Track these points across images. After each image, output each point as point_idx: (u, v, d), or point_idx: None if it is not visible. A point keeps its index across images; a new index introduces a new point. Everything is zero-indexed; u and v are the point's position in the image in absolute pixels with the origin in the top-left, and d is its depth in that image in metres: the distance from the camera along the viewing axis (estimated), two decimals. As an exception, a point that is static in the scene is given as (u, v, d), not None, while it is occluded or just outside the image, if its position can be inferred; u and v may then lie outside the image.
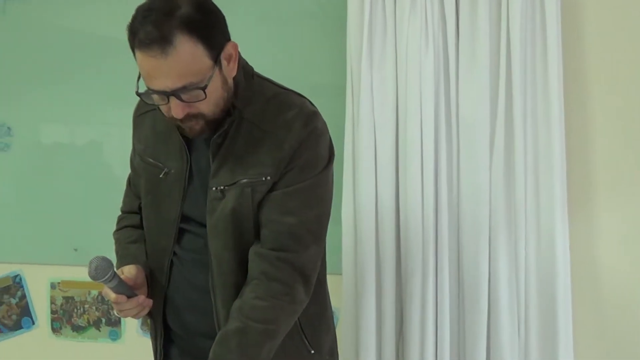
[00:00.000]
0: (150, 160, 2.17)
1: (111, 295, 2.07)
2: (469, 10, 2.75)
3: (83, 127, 3.59)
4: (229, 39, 1.97)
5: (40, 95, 3.55)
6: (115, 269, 2.04)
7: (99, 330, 3.55)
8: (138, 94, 1.96)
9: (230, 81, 2.00)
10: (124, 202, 2.43)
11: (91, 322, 3.56)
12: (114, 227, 3.28)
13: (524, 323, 2.78)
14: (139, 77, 1.93)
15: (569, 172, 2.75)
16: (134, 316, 2.15)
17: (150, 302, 2.16)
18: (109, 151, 3.56)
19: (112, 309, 3.39)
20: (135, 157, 2.26)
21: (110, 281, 2.02)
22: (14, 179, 3.62)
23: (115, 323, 3.52)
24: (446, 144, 2.80)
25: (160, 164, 2.14)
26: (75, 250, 3.55)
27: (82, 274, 3.43)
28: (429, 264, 2.78)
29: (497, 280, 2.75)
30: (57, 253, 3.58)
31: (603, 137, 2.79)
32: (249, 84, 2.07)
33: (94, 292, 3.53)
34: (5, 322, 3.66)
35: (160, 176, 2.13)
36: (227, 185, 2.04)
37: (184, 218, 2.13)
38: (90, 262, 1.98)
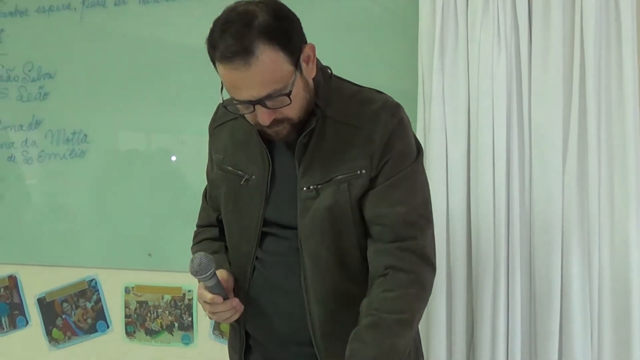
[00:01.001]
0: (230, 168, 2.19)
1: (207, 296, 2.08)
2: (541, 14, 2.72)
3: (158, 135, 3.65)
4: (305, 41, 1.99)
5: (116, 102, 3.62)
6: (215, 268, 2.05)
7: (172, 335, 3.59)
8: (224, 105, 2.01)
9: (311, 82, 2.02)
10: (201, 216, 2.45)
11: (164, 327, 3.60)
12: (188, 233, 3.34)
13: (597, 331, 2.73)
14: (222, 89, 1.96)
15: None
16: (225, 320, 2.14)
17: (242, 306, 2.16)
18: (184, 159, 3.60)
19: (185, 313, 3.47)
20: (213, 168, 2.28)
21: (209, 279, 2.03)
22: (90, 185, 3.70)
23: (187, 327, 3.55)
24: (518, 149, 2.77)
25: (240, 172, 2.15)
26: (150, 255, 3.60)
27: (155, 278, 3.53)
28: (500, 270, 2.76)
29: (569, 287, 2.71)
30: (132, 258, 3.64)
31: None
32: (328, 84, 2.09)
33: (167, 297, 3.57)
34: (81, 325, 3.73)
35: (241, 183, 2.15)
36: (320, 184, 2.05)
37: (266, 222, 2.14)
38: (193, 259, 2.00)
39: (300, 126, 2.02)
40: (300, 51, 1.94)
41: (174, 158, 3.62)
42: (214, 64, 1.91)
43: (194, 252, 2.32)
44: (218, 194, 2.27)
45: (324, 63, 2.13)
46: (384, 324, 1.99)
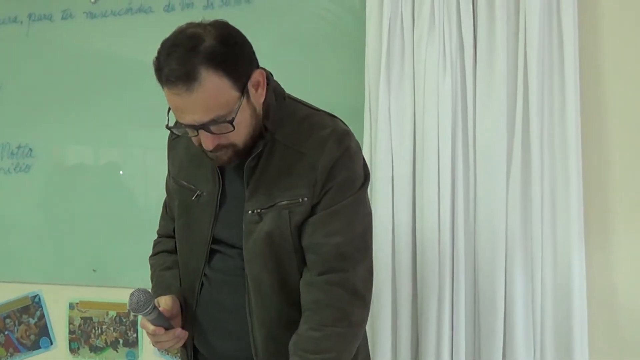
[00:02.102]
0: (184, 182, 2.19)
1: (149, 328, 2.08)
2: (486, 36, 2.76)
3: (103, 149, 3.63)
4: (256, 66, 1.98)
5: (62, 116, 3.60)
6: (154, 302, 2.05)
7: (117, 351, 3.56)
8: (168, 128, 1.99)
9: (259, 108, 2.02)
10: (160, 225, 2.45)
11: (109, 343, 3.57)
12: (134, 248, 3.34)
13: (540, 348, 2.76)
14: (169, 110, 1.95)
15: (586, 199, 2.74)
16: (169, 348, 2.17)
17: (185, 334, 2.17)
18: (130, 173, 3.59)
19: (130, 329, 3.45)
20: (170, 180, 2.29)
21: (150, 314, 2.03)
22: (34, 199, 3.67)
23: (132, 344, 3.54)
24: (463, 169, 2.80)
25: (193, 187, 2.16)
26: (94, 271, 3.57)
27: (100, 294, 3.51)
28: (445, 290, 2.78)
29: (513, 305, 2.74)
30: (76, 274, 3.61)
31: (620, 165, 2.78)
32: (280, 106, 2.08)
33: (112, 313, 3.55)
34: (24, 341, 3.70)
35: (193, 199, 2.15)
36: (264, 208, 2.04)
37: (215, 240, 2.14)
38: (131, 295, 1.99)
39: (244, 153, 2.02)
40: (247, 77, 1.94)
41: (121, 172, 3.60)
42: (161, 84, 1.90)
43: (150, 264, 2.38)
44: (173, 206, 2.28)
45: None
46: None
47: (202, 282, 2.17)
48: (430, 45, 2.80)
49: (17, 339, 3.70)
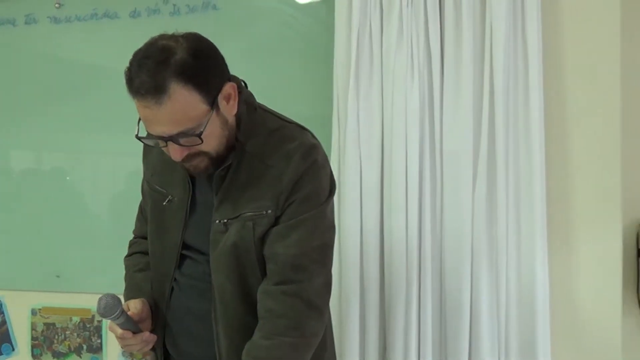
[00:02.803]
0: (157, 187, 2.21)
1: (117, 331, 2.10)
2: (453, 45, 2.82)
3: (56, 154, 3.65)
4: (228, 79, 2.00)
5: (10, 122, 3.62)
6: (122, 306, 2.07)
7: (80, 357, 3.55)
8: (138, 138, 2.00)
9: (231, 119, 2.03)
10: (136, 226, 2.46)
11: (72, 349, 3.56)
12: (97, 254, 3.34)
13: (505, 351, 2.81)
14: (139, 120, 1.96)
15: (549, 204, 2.80)
16: (138, 351, 2.17)
17: (154, 337, 2.18)
18: (85, 178, 3.61)
19: (94, 335, 3.45)
20: (144, 182, 2.31)
21: (117, 318, 2.06)
22: (-4, 204, 3.65)
23: (96, 349, 3.53)
24: (430, 174, 2.85)
25: (165, 192, 2.18)
26: (58, 276, 3.56)
27: (63, 300, 3.49)
28: (412, 294, 2.82)
29: (479, 308, 2.79)
30: (39, 279, 3.59)
31: (583, 171, 2.86)
32: (251, 117, 2.10)
33: (76, 319, 3.54)
34: (-16, 348, 3.67)
35: (164, 203, 2.17)
36: (230, 219, 2.06)
37: (185, 245, 2.16)
38: (100, 300, 2.02)
39: (220, 160, 2.04)
40: (218, 90, 1.95)
41: (68, 178, 3.62)
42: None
43: (125, 264, 2.40)
44: (146, 209, 2.30)
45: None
46: None
47: (173, 287, 2.19)
48: (399, 54, 2.85)
49: (-23, 345, 3.67)
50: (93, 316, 3.50)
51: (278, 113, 2.20)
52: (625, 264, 2.88)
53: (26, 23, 3.60)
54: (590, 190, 2.85)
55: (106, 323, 3.46)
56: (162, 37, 1.93)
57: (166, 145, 1.95)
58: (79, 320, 3.54)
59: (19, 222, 3.63)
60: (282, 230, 2.05)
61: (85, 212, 3.58)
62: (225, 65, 2.01)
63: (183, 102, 1.87)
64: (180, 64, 1.85)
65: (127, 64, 1.91)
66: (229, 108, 2.01)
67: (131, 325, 2.11)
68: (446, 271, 2.85)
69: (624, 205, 2.85)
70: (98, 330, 3.51)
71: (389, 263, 2.86)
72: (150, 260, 2.29)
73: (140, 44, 3.33)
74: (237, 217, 2.06)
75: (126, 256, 2.43)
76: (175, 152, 1.95)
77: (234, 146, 2.06)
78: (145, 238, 2.35)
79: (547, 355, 2.79)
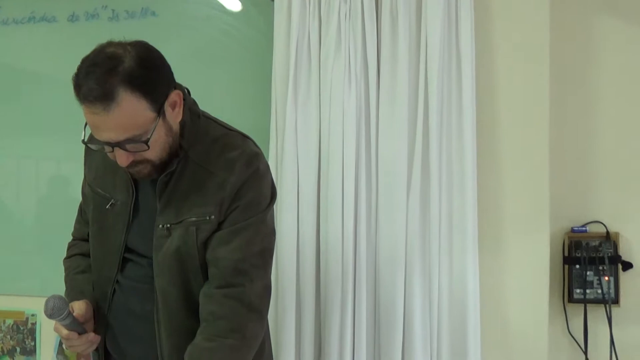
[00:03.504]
0: (99, 190, 2.23)
1: (63, 332, 2.11)
2: (389, 57, 2.89)
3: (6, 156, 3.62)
4: (174, 87, 2.03)
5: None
6: (69, 308, 2.09)
7: (13, 359, 3.54)
8: (84, 143, 2.03)
9: (176, 126, 2.07)
10: (75, 228, 2.47)
11: (5, 351, 3.54)
12: (30, 256, 3.32)
13: (437, 353, 2.88)
14: (85, 125, 1.98)
15: (481, 214, 2.88)
16: (82, 352, 2.18)
17: (98, 338, 2.20)
18: (9, 182, 3.62)
19: (27, 337, 3.43)
20: (86, 185, 2.32)
21: (64, 319, 2.07)
22: None
23: (30, 352, 3.51)
24: (366, 182, 2.91)
25: (107, 195, 2.20)
26: (-8, 278, 3.54)
27: (-5, 303, 3.46)
28: (347, 302, 2.88)
29: (411, 315, 2.85)
30: (-27, 282, 3.57)
31: (513, 183, 2.95)
32: (195, 125, 2.14)
33: (9, 321, 3.53)
34: None
35: (107, 207, 2.19)
36: (173, 224, 2.10)
37: (127, 249, 2.18)
38: (47, 301, 2.03)
39: (163, 166, 2.07)
40: (165, 98, 1.98)
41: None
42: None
43: (64, 267, 2.39)
44: (87, 211, 2.31)
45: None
46: None
47: (115, 289, 2.21)
48: (336, 65, 2.91)
49: None
50: (27, 318, 3.49)
51: (221, 121, 2.24)
52: (552, 271, 2.99)
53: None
54: (520, 200, 2.94)
55: (40, 325, 3.47)
56: (110, 44, 1.95)
57: (112, 151, 1.98)
58: (12, 323, 3.53)
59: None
60: (225, 235, 2.10)
61: (11, 215, 3.58)
62: (172, 73, 2.04)
63: (131, 109, 1.89)
64: (128, 72, 1.88)
65: (75, 71, 1.92)
66: (175, 115, 2.04)
67: (77, 326, 2.13)
68: (380, 277, 2.90)
69: (551, 214, 2.95)
70: (32, 332, 3.50)
71: (324, 269, 2.91)
72: (92, 263, 2.30)
73: (78, 48, 3.31)
74: (180, 222, 2.09)
75: (65, 258, 2.44)
76: (121, 158, 1.97)
77: (177, 153, 2.08)
78: (85, 240, 2.36)
79: (477, 352, 2.86)
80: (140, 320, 2.18)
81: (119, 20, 3.37)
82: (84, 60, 1.92)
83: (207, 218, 2.09)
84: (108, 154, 2.02)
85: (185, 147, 2.10)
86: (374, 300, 2.93)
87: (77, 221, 2.46)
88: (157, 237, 2.12)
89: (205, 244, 2.11)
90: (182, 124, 2.10)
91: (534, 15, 2.94)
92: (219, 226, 2.10)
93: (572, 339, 3.12)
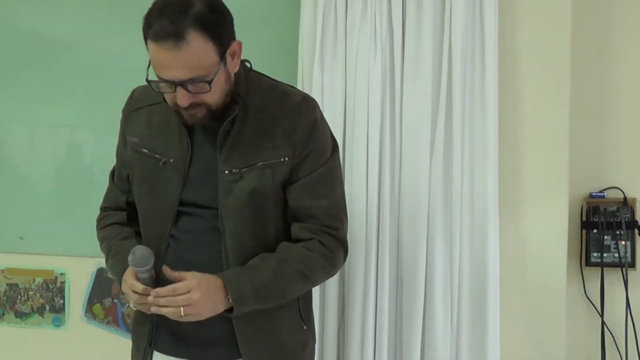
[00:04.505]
0: (145, 151, 2.29)
1: (139, 287, 2.11)
2: (414, 24, 2.96)
3: (26, 123, 3.70)
4: (234, 37, 2.13)
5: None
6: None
7: (43, 317, 3.62)
8: (148, 81, 2.11)
9: (233, 75, 2.16)
10: (107, 198, 2.51)
11: (35, 309, 3.62)
12: (60, 217, 3.46)
13: (457, 314, 2.96)
14: (148, 65, 2.07)
15: (502, 178, 2.95)
16: (148, 311, 2.16)
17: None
18: (43, 146, 3.68)
19: (57, 295, 3.51)
20: (126, 150, 2.37)
21: (146, 272, 2.10)
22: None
23: (59, 310, 3.59)
24: (390, 145, 2.98)
25: (157, 155, 2.26)
26: (21, 238, 3.61)
27: (27, 261, 3.54)
28: (371, 258, 2.95)
29: (433, 272, 2.94)
30: (2, 241, 3.64)
31: (534, 149, 3.01)
32: (247, 77, 2.24)
33: (39, 280, 3.60)
34: (-55, 307, 3.71)
35: (160, 165, 2.25)
36: (243, 168, 2.18)
37: (182, 203, 2.24)
38: (134, 251, 2.06)
39: (216, 113, 2.15)
40: (227, 45, 2.08)
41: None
42: (146, 40, 2.03)
43: (100, 237, 2.43)
44: (131, 175, 2.36)
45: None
46: (289, 267, 2.20)
47: (169, 243, 2.26)
48: (362, 32, 2.98)
49: (-62, 305, 3.72)
50: (56, 277, 3.57)
51: (268, 75, 2.35)
52: (570, 235, 3.05)
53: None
54: (540, 166, 3.00)
55: (69, 284, 3.56)
56: None
57: (174, 91, 2.06)
58: (42, 281, 3.60)
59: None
60: (308, 184, 2.23)
61: (46, 178, 3.66)
62: (233, 25, 2.14)
63: (199, 49, 2.00)
64: (199, 14, 1.99)
65: (146, 11, 2.02)
66: (233, 64, 2.14)
67: (150, 282, 2.14)
68: (403, 239, 2.98)
69: (570, 180, 3.02)
70: (61, 291, 3.58)
71: (349, 230, 2.95)
72: (141, 223, 2.36)
73: (101, 15, 3.39)
74: (251, 165, 2.19)
75: (101, 228, 2.47)
76: (182, 98, 2.05)
77: (233, 101, 2.18)
78: (121, 209, 2.44)
79: (496, 316, 2.94)
80: (201, 270, 2.18)
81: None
82: (155, 3, 2.02)
83: (282, 160, 2.19)
84: (166, 95, 2.12)
85: (242, 96, 2.20)
86: (397, 263, 3.01)
87: (110, 190, 2.51)
88: (225, 183, 2.20)
89: (283, 186, 2.23)
90: (237, 74, 2.19)
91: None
92: (295, 171, 2.22)
93: (589, 301, 3.19)
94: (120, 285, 2.25)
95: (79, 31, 3.57)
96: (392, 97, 3.00)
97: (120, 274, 2.23)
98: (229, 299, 2.13)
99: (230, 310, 2.15)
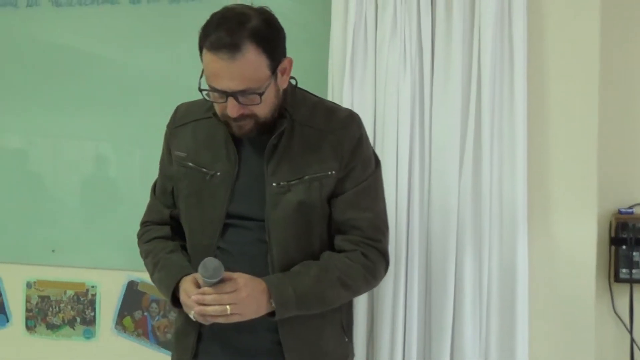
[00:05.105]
0: (192, 165, 2.35)
1: (210, 297, 2.12)
2: (444, 40, 2.97)
3: (64, 136, 3.75)
4: (285, 54, 2.20)
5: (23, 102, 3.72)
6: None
7: (74, 329, 3.66)
8: (200, 90, 2.17)
9: (281, 91, 2.23)
10: (150, 212, 2.55)
11: (66, 321, 3.66)
12: (92, 230, 3.47)
13: (485, 326, 2.97)
14: (201, 75, 2.13)
15: (530, 195, 2.96)
16: (209, 321, 2.16)
17: None
18: (75, 160, 3.74)
19: (87, 308, 3.55)
20: (172, 165, 2.42)
21: (216, 283, 2.11)
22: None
23: (89, 322, 3.63)
24: (419, 159, 2.99)
25: (204, 169, 2.32)
26: (53, 251, 3.67)
27: (58, 274, 3.60)
28: (400, 270, 2.96)
29: (462, 285, 2.94)
30: (35, 253, 3.70)
31: (562, 164, 3.02)
32: (293, 93, 2.32)
33: (70, 292, 3.65)
34: (-21, 319, 3.76)
35: (206, 179, 2.31)
36: (291, 180, 2.25)
37: (229, 215, 2.30)
38: (207, 262, 2.08)
39: (263, 127, 2.21)
40: (279, 61, 2.16)
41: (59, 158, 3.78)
42: (201, 50, 2.10)
43: (144, 250, 2.47)
44: (177, 189, 2.41)
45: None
46: (331, 274, 2.24)
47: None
48: (392, 48, 3.01)
49: (-28, 317, 3.77)
50: (87, 290, 3.62)
51: (311, 92, 2.43)
52: (599, 251, 3.05)
53: (28, 5, 3.70)
54: (569, 182, 3.00)
55: (100, 297, 3.60)
56: (238, 5, 2.16)
57: (225, 101, 2.12)
58: (73, 294, 3.65)
59: (16, 198, 3.74)
60: (352, 197, 2.30)
61: (72, 191, 3.71)
62: (285, 42, 2.22)
63: (253, 62, 2.07)
64: (255, 28, 2.07)
65: (204, 23, 2.11)
66: (283, 81, 2.22)
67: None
68: (432, 256, 2.99)
69: (599, 196, 3.02)
70: (92, 303, 3.62)
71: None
72: (188, 236, 2.41)
73: (138, 31, 3.42)
74: (299, 178, 2.25)
75: (144, 242, 2.50)
76: (233, 109, 2.12)
77: (280, 115, 2.25)
78: (164, 224, 2.47)
79: (525, 329, 2.93)
80: None
81: (180, 2, 3.48)
82: (213, 15, 2.11)
83: (329, 173, 2.27)
84: (216, 106, 2.19)
85: (289, 111, 2.27)
86: (425, 275, 3.02)
87: (154, 205, 2.54)
88: (272, 195, 2.26)
89: (328, 199, 2.29)
90: (285, 90, 2.26)
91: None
92: (340, 185, 2.28)
93: (618, 318, 3.19)
94: (168, 297, 2.30)
95: (106, 45, 3.64)
96: (421, 111, 3.02)
97: (169, 287, 2.28)
98: (271, 303, 2.17)
99: (272, 314, 2.19)
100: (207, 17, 2.14)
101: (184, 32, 3.39)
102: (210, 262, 2.08)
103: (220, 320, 2.13)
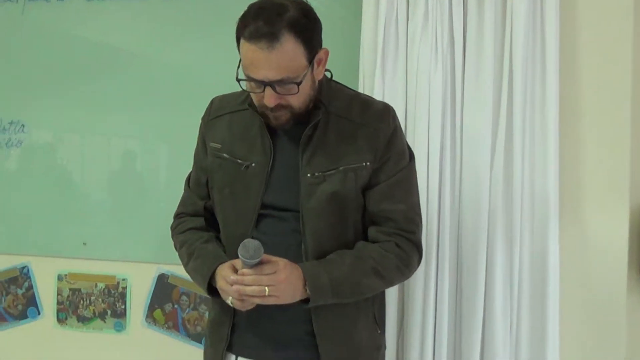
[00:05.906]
0: (227, 156, 2.37)
1: (249, 278, 2.13)
2: (475, 35, 2.98)
3: (93, 131, 3.76)
4: (321, 45, 2.22)
5: (54, 97, 3.74)
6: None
7: (104, 322, 3.68)
8: (238, 80, 2.18)
9: (317, 82, 2.25)
10: (184, 204, 2.57)
11: (97, 314, 3.68)
12: (123, 224, 3.51)
13: (516, 321, 2.97)
14: (238, 65, 2.15)
15: (562, 183, 2.96)
16: (247, 306, 2.19)
17: None
18: (119, 153, 3.76)
19: (118, 301, 3.57)
20: (207, 156, 2.44)
21: (255, 265, 2.13)
22: (26, 174, 3.79)
23: (120, 315, 3.65)
24: (450, 155, 3.00)
25: (239, 160, 2.34)
26: (85, 244, 3.69)
27: (89, 266, 3.62)
28: (431, 265, 2.97)
29: (493, 280, 2.94)
30: (66, 246, 3.72)
31: (593, 150, 3.02)
32: (329, 85, 2.34)
33: (101, 285, 3.67)
34: (11, 311, 3.79)
35: (241, 169, 2.33)
36: (326, 171, 2.26)
37: (263, 205, 2.31)
38: (246, 243, 2.10)
39: (299, 117, 2.23)
40: (316, 52, 2.18)
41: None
42: (239, 40, 2.12)
43: (179, 241, 2.48)
44: (212, 180, 2.43)
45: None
46: (365, 263, 2.25)
47: None
48: (423, 42, 3.01)
49: (4, 309, 3.79)
50: (118, 283, 3.64)
51: (346, 85, 2.45)
52: (630, 244, 3.03)
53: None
54: (601, 174, 3.00)
55: (130, 289, 3.63)
56: None
57: (262, 91, 2.15)
58: (104, 287, 3.67)
59: (47, 192, 3.76)
60: (386, 189, 2.31)
61: (100, 186, 3.74)
62: (322, 33, 2.24)
63: (291, 51, 2.09)
64: (293, 19, 2.09)
65: (242, 14, 2.12)
66: (318, 72, 2.24)
67: None
68: (463, 250, 3.00)
69: (631, 191, 3.01)
70: (123, 296, 3.64)
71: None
72: (222, 227, 2.43)
73: (168, 26, 3.41)
74: (334, 169, 2.27)
75: (178, 233, 2.52)
76: (270, 98, 2.14)
77: (316, 107, 2.27)
78: (199, 215, 2.49)
79: (555, 324, 2.95)
80: None
81: (214, -3, 3.48)
82: (251, 6, 2.13)
83: (364, 164, 2.28)
84: (253, 96, 2.22)
85: (324, 103, 2.29)
86: (456, 269, 3.02)
87: (188, 197, 2.56)
88: (307, 185, 2.27)
89: (363, 191, 2.31)
90: (320, 82, 2.29)
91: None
92: (375, 176, 2.30)
93: (650, 312, 3.18)
94: (204, 285, 2.31)
95: (133, 42, 3.65)
96: (452, 105, 3.02)
97: (205, 276, 2.30)
98: (306, 290, 2.18)
99: (306, 301, 2.21)
100: (239, 10, 2.16)
101: (214, 26, 3.45)
102: (251, 243, 2.10)
103: (257, 300, 2.14)
